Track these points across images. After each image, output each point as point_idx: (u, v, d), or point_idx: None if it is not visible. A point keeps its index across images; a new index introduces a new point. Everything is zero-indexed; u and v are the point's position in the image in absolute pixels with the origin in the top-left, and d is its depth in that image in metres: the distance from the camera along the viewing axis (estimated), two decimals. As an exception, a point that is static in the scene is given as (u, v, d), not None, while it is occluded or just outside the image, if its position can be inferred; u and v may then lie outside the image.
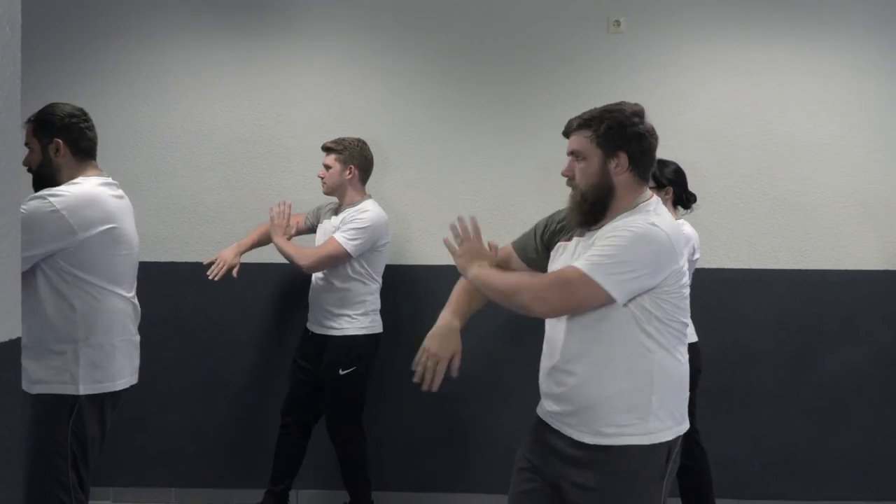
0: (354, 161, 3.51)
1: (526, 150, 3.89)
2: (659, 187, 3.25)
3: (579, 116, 2.07)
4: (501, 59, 3.90)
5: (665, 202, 3.09)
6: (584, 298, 1.93)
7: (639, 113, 2.05)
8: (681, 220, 3.26)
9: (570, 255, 2.07)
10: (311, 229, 3.68)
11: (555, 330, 2.08)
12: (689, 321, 2.12)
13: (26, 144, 2.57)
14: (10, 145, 1.51)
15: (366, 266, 3.46)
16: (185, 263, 3.89)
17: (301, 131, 3.91)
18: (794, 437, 3.86)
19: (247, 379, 3.93)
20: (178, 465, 3.91)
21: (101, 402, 2.53)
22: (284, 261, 3.53)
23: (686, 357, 2.07)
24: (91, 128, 2.63)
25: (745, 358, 3.86)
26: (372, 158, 3.59)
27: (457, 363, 2.13)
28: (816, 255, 3.88)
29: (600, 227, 2.03)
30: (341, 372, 3.44)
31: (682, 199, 3.36)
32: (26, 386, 2.41)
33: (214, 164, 3.93)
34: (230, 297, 3.85)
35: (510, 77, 3.90)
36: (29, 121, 2.57)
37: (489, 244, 2.17)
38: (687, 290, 2.04)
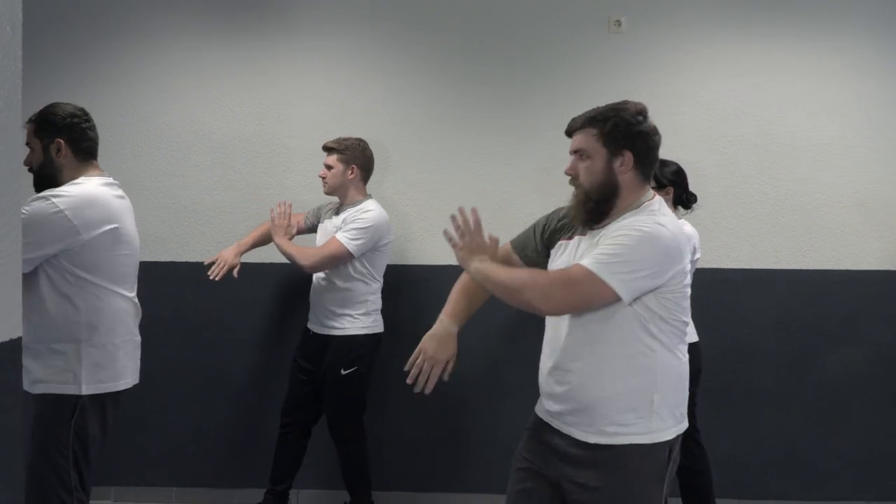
0: (357, 161, 3.51)
1: (526, 150, 3.89)
2: (659, 187, 3.24)
3: (583, 114, 2.06)
4: (501, 59, 3.90)
5: (665, 202, 3.09)
6: (591, 297, 1.92)
7: (643, 111, 2.05)
8: (681, 220, 3.26)
9: (572, 254, 2.06)
10: (312, 229, 3.68)
11: (556, 329, 2.07)
12: (690, 320, 2.12)
13: (27, 144, 2.57)
14: (11, 145, 1.51)
15: (368, 266, 3.46)
16: (186, 263, 3.89)
17: (301, 131, 3.92)
18: (794, 437, 3.87)
19: (247, 379, 3.93)
20: (178, 465, 3.92)
21: (104, 401, 2.53)
22: (285, 260, 3.53)
23: (686, 356, 2.07)
24: (92, 128, 2.63)
25: (745, 358, 3.87)
26: (373, 158, 3.59)
27: (451, 368, 2.12)
28: (817, 255, 3.88)
29: (603, 226, 2.02)
30: (343, 372, 3.44)
31: (683, 199, 3.37)
32: (28, 386, 2.42)
33: (214, 164, 3.93)
34: (230, 296, 3.85)
35: (510, 77, 3.90)
36: (30, 120, 2.57)
37: (490, 237, 2.14)
38: (688, 290, 2.05)
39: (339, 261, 3.40)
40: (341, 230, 3.41)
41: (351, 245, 3.37)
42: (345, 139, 3.54)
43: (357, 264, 3.44)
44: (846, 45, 3.86)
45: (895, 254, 3.87)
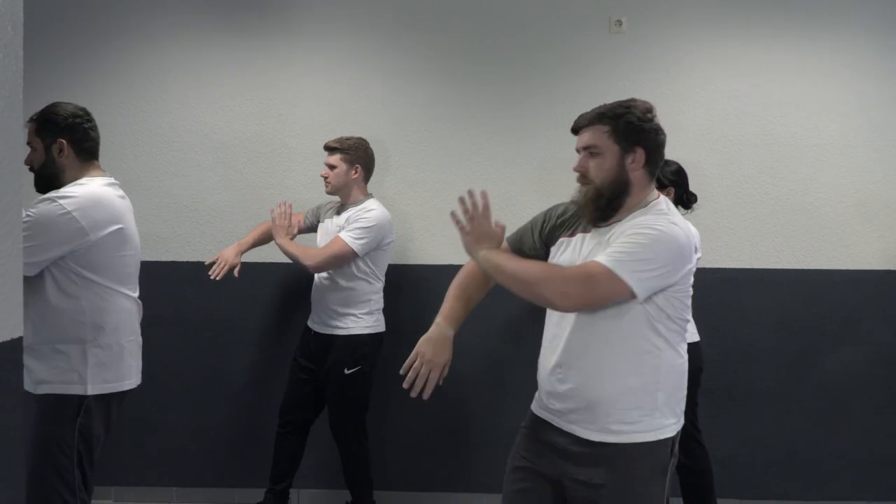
0: (360, 160, 3.51)
1: (526, 150, 3.89)
2: (660, 187, 3.23)
3: (592, 111, 2.04)
4: (501, 59, 3.90)
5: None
6: (607, 293, 1.91)
7: (651, 109, 2.05)
8: (682, 220, 3.26)
9: (576, 251, 2.05)
10: (311, 228, 3.68)
11: (559, 327, 2.05)
12: (691, 319, 2.13)
13: (28, 144, 2.56)
14: (13, 144, 1.50)
15: (370, 265, 3.46)
16: (186, 263, 3.89)
17: (302, 131, 3.92)
18: (795, 437, 3.87)
19: (248, 378, 3.93)
20: (179, 465, 3.92)
21: (109, 401, 2.54)
22: (285, 260, 3.53)
23: (686, 353, 2.07)
24: (94, 128, 2.63)
25: (746, 357, 3.87)
26: (374, 157, 3.60)
27: (446, 372, 2.09)
28: (818, 254, 3.88)
29: (611, 224, 2.02)
30: (346, 371, 3.44)
31: (683, 199, 3.36)
32: (31, 386, 2.41)
33: (215, 164, 3.94)
34: (231, 296, 3.85)
35: (510, 77, 3.90)
36: (31, 120, 2.57)
37: (496, 224, 2.07)
38: (692, 289, 2.06)
39: (343, 260, 3.40)
40: (345, 229, 3.41)
41: (355, 244, 3.37)
42: (347, 139, 3.54)
43: (360, 263, 3.44)
44: (846, 45, 3.86)
45: (895, 254, 3.87)
